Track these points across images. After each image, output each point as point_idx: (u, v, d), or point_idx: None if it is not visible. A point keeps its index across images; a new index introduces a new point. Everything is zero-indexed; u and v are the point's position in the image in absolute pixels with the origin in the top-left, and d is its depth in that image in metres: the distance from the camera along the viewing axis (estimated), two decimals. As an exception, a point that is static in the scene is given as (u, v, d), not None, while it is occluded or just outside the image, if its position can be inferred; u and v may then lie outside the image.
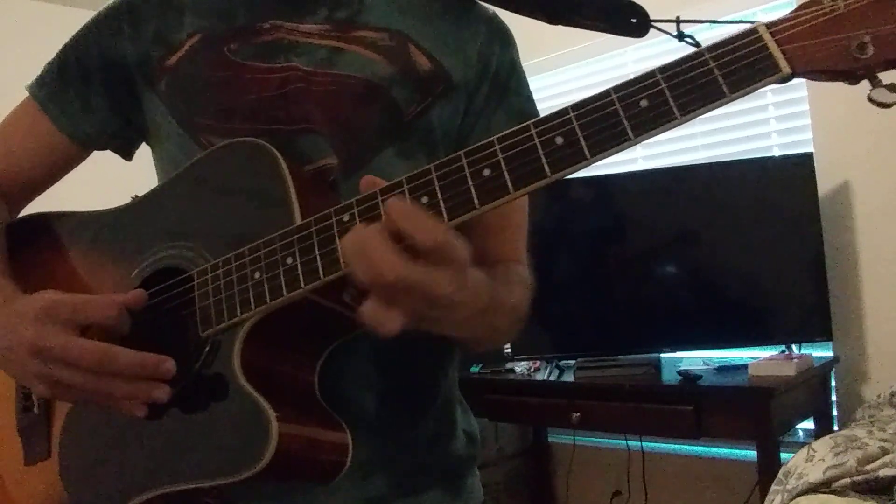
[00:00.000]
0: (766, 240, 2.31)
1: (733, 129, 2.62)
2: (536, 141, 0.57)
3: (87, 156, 0.91)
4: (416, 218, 0.55)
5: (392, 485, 0.79)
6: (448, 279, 0.55)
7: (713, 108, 0.54)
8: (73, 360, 0.65)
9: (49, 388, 0.68)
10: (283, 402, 0.65)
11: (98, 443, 0.73)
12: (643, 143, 0.55)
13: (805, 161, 2.29)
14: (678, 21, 0.57)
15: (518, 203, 0.86)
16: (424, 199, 0.59)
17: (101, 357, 0.65)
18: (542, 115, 0.59)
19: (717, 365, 2.30)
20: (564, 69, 2.94)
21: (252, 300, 0.65)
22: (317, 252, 0.63)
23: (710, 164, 2.51)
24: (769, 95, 2.54)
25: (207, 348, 0.68)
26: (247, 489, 0.73)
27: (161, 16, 0.84)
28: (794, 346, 2.28)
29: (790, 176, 2.31)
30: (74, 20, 0.90)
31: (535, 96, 0.90)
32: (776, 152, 2.53)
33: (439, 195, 0.59)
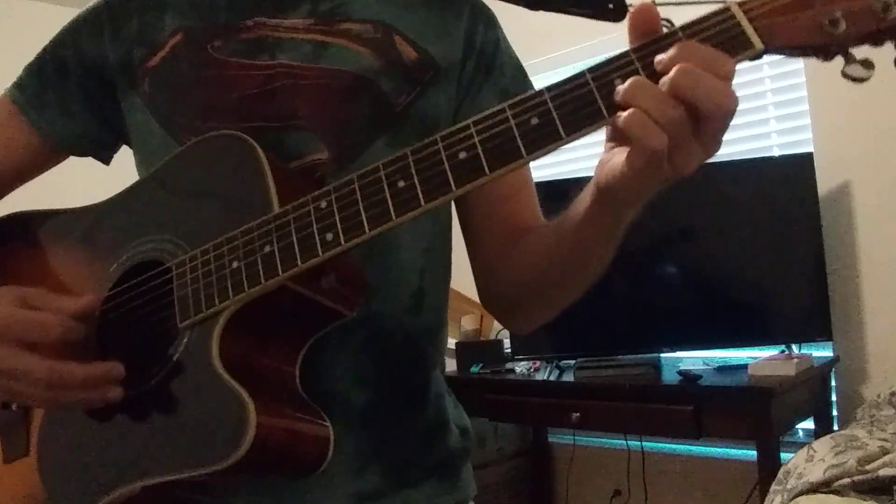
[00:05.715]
0: (765, 240, 2.31)
1: (733, 129, 2.55)
2: (512, 123, 0.57)
3: (64, 159, 0.91)
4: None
5: (387, 477, 0.79)
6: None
7: None
8: (23, 377, 0.68)
9: (11, 397, 0.74)
10: (263, 392, 0.64)
11: (76, 438, 0.73)
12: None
13: (805, 161, 2.28)
14: (654, 4, 0.58)
15: (525, 168, 0.86)
16: (401, 184, 0.60)
17: (49, 374, 0.67)
18: None
19: (717, 365, 2.30)
20: (564, 69, 2.93)
21: (230, 289, 0.66)
22: (294, 238, 0.63)
23: (710, 163, 2.47)
24: (769, 95, 2.53)
25: (185, 339, 0.68)
26: (236, 484, 0.73)
27: (142, 16, 0.83)
28: (794, 346, 2.28)
29: (790, 176, 2.30)
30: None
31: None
32: (776, 152, 2.52)
33: (415, 178, 0.59)
